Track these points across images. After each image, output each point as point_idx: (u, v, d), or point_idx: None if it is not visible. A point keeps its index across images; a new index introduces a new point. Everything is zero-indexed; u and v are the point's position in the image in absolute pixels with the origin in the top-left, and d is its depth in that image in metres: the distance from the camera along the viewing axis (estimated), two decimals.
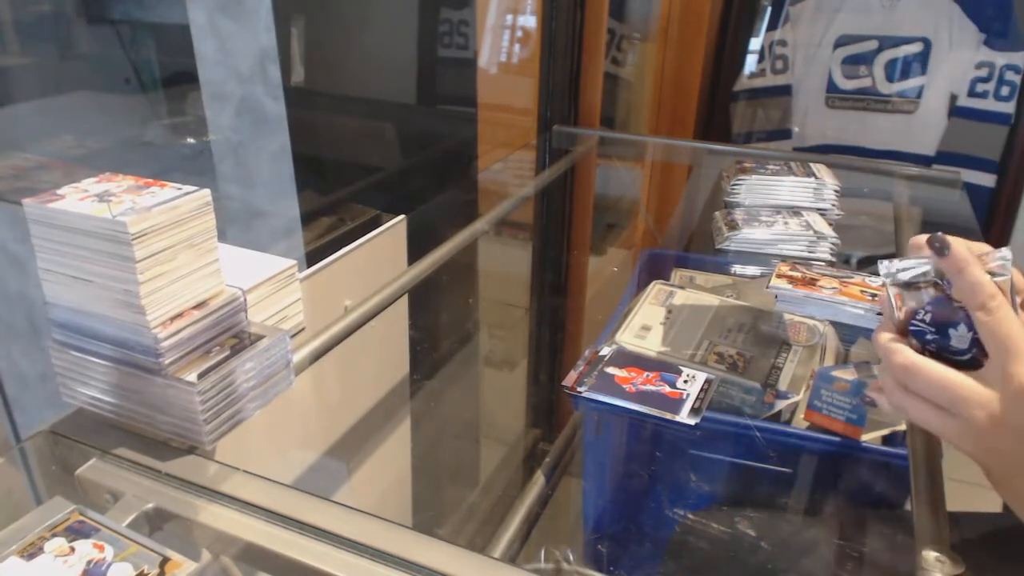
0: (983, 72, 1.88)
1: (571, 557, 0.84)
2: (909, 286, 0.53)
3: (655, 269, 1.12)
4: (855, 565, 0.76)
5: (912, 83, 1.96)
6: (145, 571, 0.44)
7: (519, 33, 1.48)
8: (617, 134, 1.80)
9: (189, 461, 0.56)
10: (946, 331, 0.51)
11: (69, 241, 0.53)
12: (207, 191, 0.56)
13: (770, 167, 1.18)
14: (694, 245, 1.31)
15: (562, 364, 1.66)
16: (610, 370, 0.80)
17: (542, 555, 0.89)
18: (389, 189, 1.46)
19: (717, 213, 1.13)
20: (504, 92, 1.53)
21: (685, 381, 0.78)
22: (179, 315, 0.55)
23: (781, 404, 0.80)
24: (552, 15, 1.41)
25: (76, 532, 0.46)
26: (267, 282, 0.68)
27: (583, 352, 0.84)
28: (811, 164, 1.19)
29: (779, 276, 0.88)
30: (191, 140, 1.49)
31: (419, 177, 1.52)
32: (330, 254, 0.90)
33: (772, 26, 2.08)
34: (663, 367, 0.81)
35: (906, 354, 0.50)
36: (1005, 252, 0.50)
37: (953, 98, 1.93)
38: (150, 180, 0.57)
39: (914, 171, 1.34)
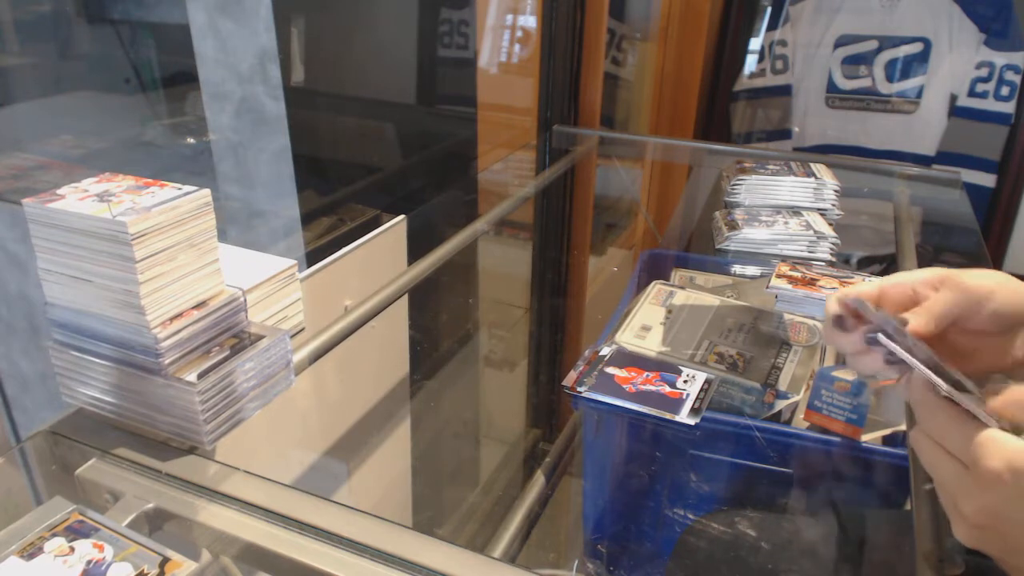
0: (983, 72, 1.88)
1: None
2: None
3: (655, 269, 1.12)
4: (855, 565, 0.76)
5: (912, 83, 1.96)
6: (145, 571, 0.44)
7: (519, 33, 1.48)
8: (617, 134, 1.80)
9: (189, 461, 0.56)
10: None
11: (69, 241, 0.53)
12: (207, 191, 0.56)
13: (770, 167, 1.18)
14: (694, 245, 1.31)
15: (562, 364, 1.66)
16: (610, 370, 0.80)
17: (575, 566, 0.89)
18: (389, 189, 1.46)
19: (717, 213, 1.13)
20: (504, 92, 1.53)
21: (685, 381, 0.78)
22: (179, 315, 0.55)
23: (781, 404, 0.80)
24: (552, 15, 1.41)
25: (76, 532, 0.46)
26: (267, 282, 0.68)
27: (583, 352, 0.84)
28: (811, 164, 1.19)
29: (779, 276, 0.88)
30: (191, 140, 1.49)
31: (419, 177, 1.52)
32: (330, 254, 0.90)
33: (772, 26, 2.08)
34: (663, 367, 0.81)
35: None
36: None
37: (953, 98, 1.93)
38: (150, 180, 0.57)
39: (914, 171, 1.34)
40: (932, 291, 0.51)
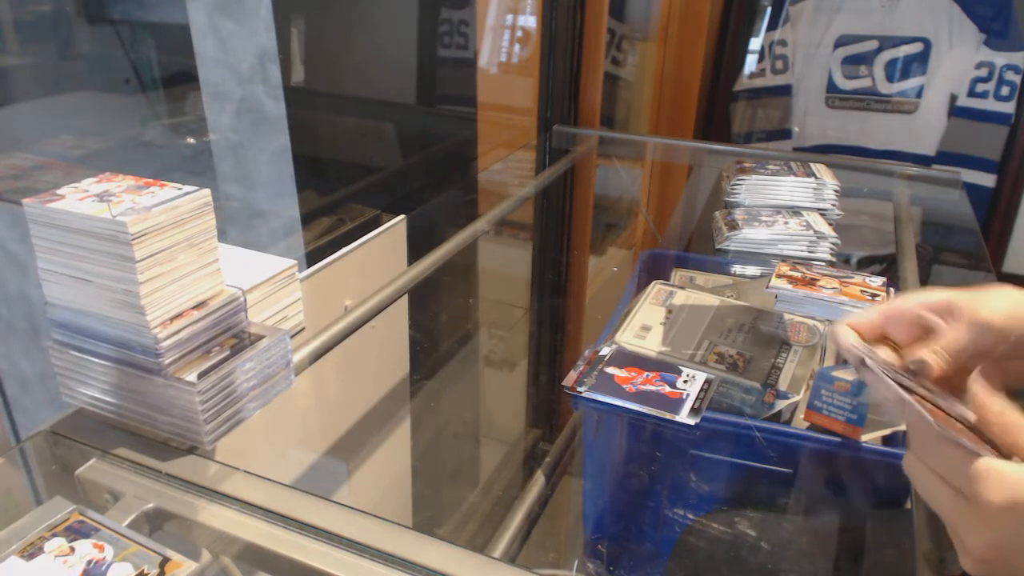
0: (983, 72, 1.88)
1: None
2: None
3: (655, 269, 1.12)
4: (855, 565, 0.76)
5: (912, 83, 1.96)
6: (145, 571, 0.44)
7: (519, 33, 1.48)
8: (617, 134, 1.80)
9: (189, 461, 0.56)
10: None
11: (69, 241, 0.53)
12: (207, 191, 0.56)
13: (770, 167, 1.17)
14: (694, 245, 1.31)
15: (562, 364, 1.66)
16: (610, 370, 0.80)
17: (575, 565, 0.89)
18: (389, 189, 1.46)
19: (717, 213, 1.13)
20: (504, 92, 1.53)
21: (685, 381, 0.78)
22: (179, 315, 0.55)
23: (781, 404, 0.80)
24: (552, 15, 1.41)
25: (76, 532, 0.46)
26: (267, 282, 0.68)
27: (583, 352, 0.84)
28: (811, 164, 1.19)
29: (779, 276, 0.88)
30: (191, 140, 1.49)
31: (419, 177, 1.52)
32: (330, 254, 0.90)
33: (772, 26, 2.08)
34: (663, 367, 0.81)
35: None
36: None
37: (953, 98, 1.93)
38: (150, 180, 0.57)
39: (914, 171, 1.34)
40: (939, 319, 0.49)
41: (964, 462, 0.41)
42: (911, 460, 0.46)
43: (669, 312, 0.94)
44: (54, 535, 0.46)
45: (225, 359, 0.57)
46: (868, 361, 0.48)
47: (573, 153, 1.50)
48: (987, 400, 0.43)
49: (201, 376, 0.55)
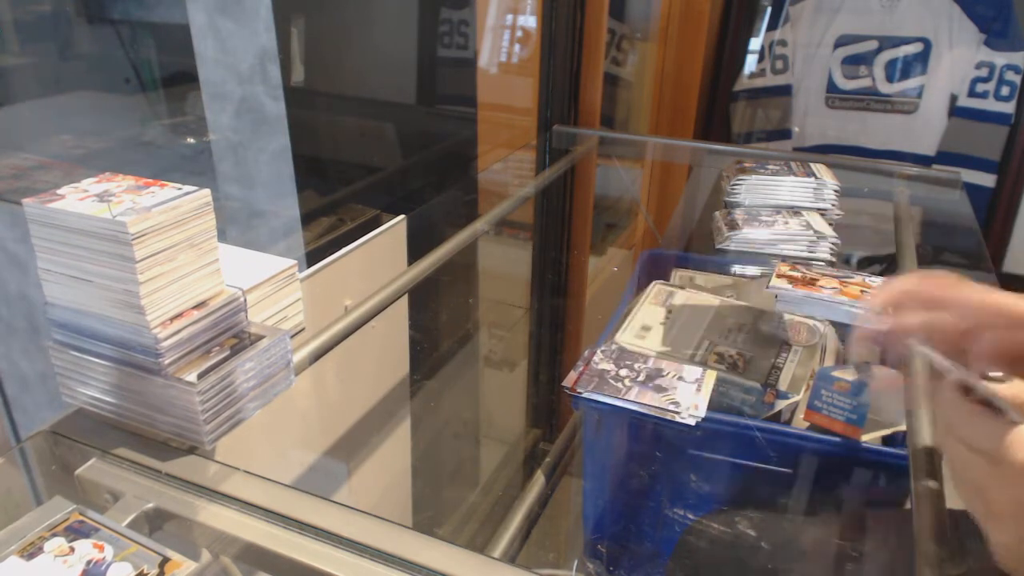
0: (983, 72, 1.88)
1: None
2: None
3: (655, 269, 1.12)
4: (855, 565, 0.76)
5: (912, 83, 1.96)
6: (145, 571, 0.44)
7: (519, 33, 1.48)
8: (617, 134, 1.80)
9: (189, 461, 0.56)
10: None
11: (69, 241, 0.53)
12: (207, 191, 0.56)
13: (770, 167, 1.17)
14: (694, 245, 1.31)
15: (562, 364, 1.66)
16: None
17: (575, 565, 0.90)
18: (389, 189, 1.46)
19: (717, 213, 1.13)
20: (504, 92, 1.53)
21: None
22: (179, 315, 0.55)
23: (781, 404, 0.80)
24: (552, 15, 1.41)
25: (76, 532, 0.46)
26: (267, 282, 0.68)
27: (583, 352, 0.84)
28: (811, 164, 1.19)
29: (779, 276, 0.88)
30: (191, 140, 1.49)
31: (419, 177, 1.52)
32: (330, 254, 0.90)
33: (772, 26, 2.09)
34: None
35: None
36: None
37: (953, 98, 1.93)
38: (150, 180, 0.57)
39: (914, 171, 1.34)
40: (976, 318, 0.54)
41: (997, 430, 0.44)
42: (948, 440, 0.49)
43: (669, 312, 0.94)
44: (54, 535, 0.46)
45: (225, 359, 0.57)
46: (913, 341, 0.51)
47: (573, 153, 1.50)
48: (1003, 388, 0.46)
49: (201, 376, 0.55)
